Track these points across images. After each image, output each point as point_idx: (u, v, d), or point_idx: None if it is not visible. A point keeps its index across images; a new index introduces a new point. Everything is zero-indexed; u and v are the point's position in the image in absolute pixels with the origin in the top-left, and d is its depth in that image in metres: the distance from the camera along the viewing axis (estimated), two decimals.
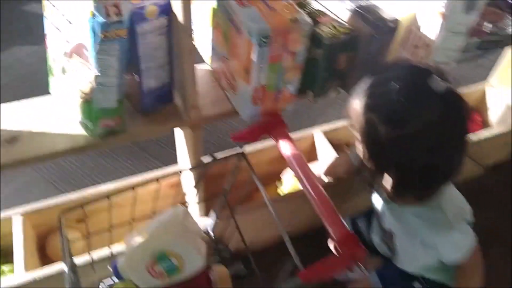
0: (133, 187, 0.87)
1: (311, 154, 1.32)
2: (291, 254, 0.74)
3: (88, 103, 0.75)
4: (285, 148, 0.82)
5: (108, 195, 0.84)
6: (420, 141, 0.66)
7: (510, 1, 1.04)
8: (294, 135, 1.29)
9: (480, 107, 1.52)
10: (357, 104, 0.70)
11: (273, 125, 0.85)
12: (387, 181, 0.71)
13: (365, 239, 1.00)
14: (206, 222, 1.09)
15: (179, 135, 0.98)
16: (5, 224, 1.07)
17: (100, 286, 1.00)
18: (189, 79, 0.79)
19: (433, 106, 0.65)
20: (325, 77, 0.86)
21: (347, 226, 0.70)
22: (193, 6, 0.72)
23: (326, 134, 1.30)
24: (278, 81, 0.81)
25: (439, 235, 0.78)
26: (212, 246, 1.09)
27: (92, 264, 0.96)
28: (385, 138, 0.66)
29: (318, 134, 1.30)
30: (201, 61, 0.97)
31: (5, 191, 1.34)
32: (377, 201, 0.89)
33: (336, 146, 1.28)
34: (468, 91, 1.47)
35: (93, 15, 0.65)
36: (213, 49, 0.90)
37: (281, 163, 1.30)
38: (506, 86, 1.40)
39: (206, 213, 1.08)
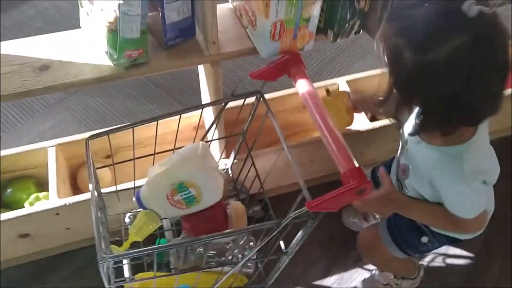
0: (156, 120, 0.91)
1: None
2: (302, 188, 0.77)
3: (113, 32, 0.78)
4: (302, 87, 0.84)
5: (132, 126, 0.90)
6: (446, 69, 0.62)
7: None
8: (318, 84, 1.30)
9: None
10: (384, 29, 0.66)
11: (291, 64, 0.86)
12: (413, 112, 0.69)
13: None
14: (225, 162, 1.13)
15: (203, 73, 1.01)
16: (41, 155, 1.15)
17: (125, 218, 1.08)
18: (210, 13, 0.81)
19: (463, 32, 0.60)
20: (346, 15, 0.85)
21: (353, 160, 0.72)
22: None
23: (350, 83, 1.30)
24: (297, 17, 0.81)
25: (448, 182, 0.74)
26: (230, 185, 1.14)
27: (117, 193, 1.03)
28: (410, 65, 0.63)
29: (342, 83, 1.30)
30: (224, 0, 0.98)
31: (40, 129, 1.43)
32: (402, 135, 0.86)
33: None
34: None
35: None
36: None
37: (301, 112, 1.33)
38: None
39: (226, 153, 1.12)
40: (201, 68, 1.01)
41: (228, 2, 0.98)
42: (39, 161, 1.18)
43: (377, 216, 1.22)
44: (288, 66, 0.86)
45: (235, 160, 1.10)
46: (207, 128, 1.11)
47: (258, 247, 0.78)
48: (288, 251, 0.84)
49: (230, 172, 1.12)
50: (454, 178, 0.73)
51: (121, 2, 0.74)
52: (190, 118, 1.19)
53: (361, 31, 0.92)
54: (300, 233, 0.80)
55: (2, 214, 1.03)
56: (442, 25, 0.61)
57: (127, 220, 1.08)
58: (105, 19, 0.78)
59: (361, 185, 0.69)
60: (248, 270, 0.94)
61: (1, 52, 0.86)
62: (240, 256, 0.96)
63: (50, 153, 1.13)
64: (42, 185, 1.20)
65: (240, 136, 1.03)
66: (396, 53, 0.64)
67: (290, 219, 0.73)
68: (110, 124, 1.35)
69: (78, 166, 1.23)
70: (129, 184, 1.05)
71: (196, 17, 0.87)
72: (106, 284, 0.79)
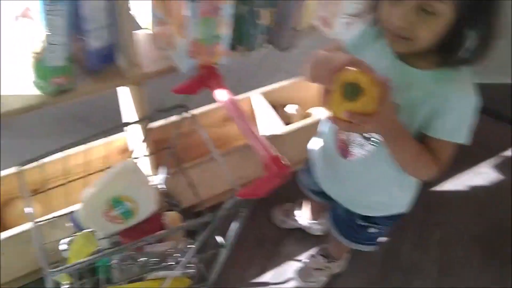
0: (84, 143, 0.96)
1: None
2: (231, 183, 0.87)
3: (39, 62, 0.83)
4: (221, 95, 0.94)
5: (61, 150, 0.94)
6: None
7: None
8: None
9: None
10: None
11: (209, 77, 0.96)
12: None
13: (313, 189, 1.11)
14: (157, 178, 1.19)
15: (126, 96, 1.07)
16: None
17: (60, 245, 1.09)
18: (129, 38, 0.89)
19: None
20: (252, 32, 0.98)
21: (272, 150, 0.83)
22: None
23: (264, 95, 1.43)
24: (210, 35, 0.92)
25: (459, 99, 0.75)
26: (164, 200, 1.20)
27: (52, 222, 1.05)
28: None
29: (256, 96, 1.44)
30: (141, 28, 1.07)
31: None
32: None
33: (274, 106, 1.43)
34: None
35: None
36: (153, 14, 1.00)
37: (224, 125, 1.44)
38: None
39: (157, 169, 1.18)
40: (122, 92, 1.08)
41: (144, 29, 1.07)
42: None
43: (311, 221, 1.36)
44: (206, 79, 0.96)
45: (167, 176, 1.17)
46: (132, 143, 1.17)
47: (199, 244, 0.86)
48: (225, 243, 0.92)
49: (163, 187, 1.19)
50: (464, 93, 0.75)
51: (48, 33, 0.79)
52: (116, 142, 1.24)
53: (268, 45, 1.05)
54: (233, 224, 0.89)
55: None
56: None
57: (64, 246, 1.09)
58: (31, 50, 0.83)
59: (281, 170, 0.81)
60: (191, 271, 1.00)
61: None
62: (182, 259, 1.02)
63: None
64: None
65: (169, 151, 1.10)
66: None
67: (224, 209, 0.82)
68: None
69: (6, 202, 1.22)
70: (63, 211, 1.07)
71: (117, 43, 0.94)
72: None
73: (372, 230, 1.02)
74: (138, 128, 1.07)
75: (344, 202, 1.00)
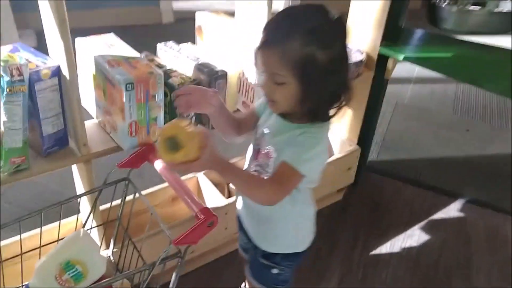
0: (41, 212, 1.08)
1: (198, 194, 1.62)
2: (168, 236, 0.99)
3: None
4: (158, 166, 1.11)
5: (20, 220, 1.05)
6: (343, 59, 0.89)
7: None
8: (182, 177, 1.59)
9: None
10: (289, 47, 0.84)
11: (148, 152, 1.14)
12: (304, 107, 0.91)
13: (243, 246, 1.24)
14: (106, 252, 1.29)
15: (77, 173, 1.22)
16: None
17: None
18: (79, 122, 1.07)
19: (340, 29, 0.89)
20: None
21: (201, 202, 0.98)
22: (79, 73, 1.03)
23: (207, 174, 1.61)
24: (146, 118, 1.12)
25: (304, 140, 0.92)
26: (113, 272, 1.28)
27: None
28: (325, 61, 0.85)
29: (201, 177, 1.61)
30: (90, 117, 1.26)
31: None
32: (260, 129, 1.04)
33: (217, 185, 1.60)
34: None
35: (1, 76, 0.93)
36: (97, 105, 1.20)
37: (172, 205, 1.58)
38: None
39: (106, 242, 1.28)
40: (75, 170, 1.23)
41: (92, 119, 1.26)
42: None
43: None
44: (146, 154, 1.13)
45: (114, 249, 1.27)
46: (82, 215, 1.29)
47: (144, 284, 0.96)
48: None
49: (112, 258, 1.28)
50: (312, 139, 0.93)
51: (5, 119, 0.96)
52: (69, 224, 1.35)
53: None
54: (173, 276, 1.00)
55: None
56: (330, 28, 0.87)
57: None
58: None
59: (210, 218, 0.95)
60: None
61: None
62: None
63: None
64: None
65: (116, 222, 1.23)
66: (310, 58, 0.84)
67: (160, 258, 0.94)
68: None
69: None
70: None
71: (67, 128, 1.12)
72: None
73: (275, 271, 1.12)
74: (87, 201, 1.20)
75: (252, 237, 1.12)
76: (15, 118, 0.98)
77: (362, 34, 1.65)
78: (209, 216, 0.95)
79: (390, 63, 1.67)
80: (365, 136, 1.88)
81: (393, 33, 1.64)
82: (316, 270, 1.67)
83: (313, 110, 0.92)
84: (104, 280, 0.99)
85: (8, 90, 0.94)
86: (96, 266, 1.08)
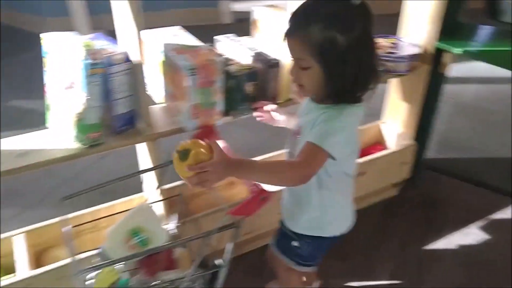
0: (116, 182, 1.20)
1: None
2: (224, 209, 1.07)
3: (80, 120, 1.12)
4: None
5: (103, 185, 1.17)
6: (365, 40, 0.92)
7: None
8: None
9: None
10: (309, 32, 0.90)
11: (209, 132, 1.23)
12: (329, 90, 0.95)
13: None
14: (167, 225, 1.40)
15: (142, 151, 1.34)
16: (5, 245, 1.35)
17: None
18: (145, 104, 1.19)
19: (359, 14, 0.92)
20: (239, 100, 1.27)
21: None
22: (147, 60, 1.14)
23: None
24: (207, 101, 1.21)
25: (326, 118, 0.97)
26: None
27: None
28: (345, 44, 0.89)
29: None
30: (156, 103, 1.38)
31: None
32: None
33: None
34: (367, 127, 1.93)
35: (84, 59, 1.05)
36: (165, 90, 1.31)
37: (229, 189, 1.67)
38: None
39: (169, 216, 1.38)
40: (140, 149, 1.35)
41: (158, 104, 1.37)
42: (5, 251, 1.37)
43: None
44: (206, 135, 1.22)
45: (178, 223, 1.37)
46: (148, 190, 1.40)
47: (198, 261, 1.04)
48: (223, 263, 1.10)
49: (175, 231, 1.37)
50: (332, 115, 0.97)
51: (87, 98, 1.09)
52: (135, 200, 1.48)
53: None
54: (229, 245, 1.08)
55: None
56: (351, 11, 0.91)
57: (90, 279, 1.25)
58: (74, 112, 1.12)
59: (262, 194, 1.02)
60: None
61: None
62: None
63: (16, 240, 1.34)
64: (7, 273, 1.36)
65: (179, 198, 1.33)
66: (330, 41, 0.90)
67: (218, 228, 1.02)
68: None
69: (40, 253, 1.42)
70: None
71: (136, 110, 1.23)
72: None
73: (294, 243, 1.18)
74: (152, 176, 1.32)
75: (283, 212, 1.19)
76: (94, 96, 1.10)
77: (418, 28, 1.66)
78: (262, 192, 1.02)
79: (446, 57, 1.66)
80: (422, 132, 1.87)
81: (451, 27, 1.63)
82: (369, 261, 1.68)
83: (337, 92, 0.96)
84: (165, 243, 1.09)
85: (90, 72, 1.07)
86: (159, 234, 1.18)
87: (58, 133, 1.20)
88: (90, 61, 1.06)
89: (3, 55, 3.18)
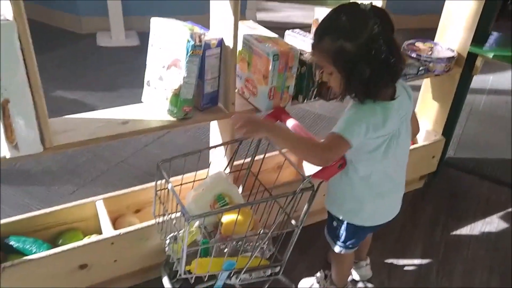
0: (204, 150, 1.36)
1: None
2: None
3: (176, 95, 1.28)
4: (290, 124, 1.36)
5: (200, 151, 1.33)
6: (371, 44, 1.02)
7: None
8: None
9: None
10: (324, 44, 1.08)
11: (280, 113, 1.40)
12: (351, 90, 1.12)
13: None
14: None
15: (216, 126, 1.53)
16: (88, 209, 1.50)
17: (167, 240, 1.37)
18: (232, 85, 1.35)
19: (369, 18, 1.03)
20: (308, 85, 1.44)
21: None
22: None
23: None
24: (282, 85, 1.38)
25: (350, 109, 1.17)
26: None
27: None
28: (353, 50, 1.03)
29: None
30: None
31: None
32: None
33: None
34: None
35: (188, 41, 1.22)
36: (238, 75, 1.48)
37: (276, 172, 1.82)
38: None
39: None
40: (214, 126, 1.53)
41: None
42: (85, 215, 1.51)
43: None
44: (279, 115, 1.39)
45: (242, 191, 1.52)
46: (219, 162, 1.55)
47: (284, 210, 1.20)
48: (298, 224, 1.26)
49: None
50: (353, 110, 1.15)
51: (185, 75, 1.26)
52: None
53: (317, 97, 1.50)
54: (306, 206, 1.24)
55: (65, 246, 1.32)
56: (358, 19, 1.05)
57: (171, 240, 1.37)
58: (171, 87, 1.28)
59: (338, 161, 1.19)
60: (268, 253, 1.32)
61: (97, 116, 1.31)
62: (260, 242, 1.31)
63: (98, 204, 1.49)
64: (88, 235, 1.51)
65: (246, 171, 1.49)
66: (340, 50, 1.05)
67: (300, 189, 1.18)
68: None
69: (116, 218, 1.57)
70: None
71: (220, 90, 1.40)
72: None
73: (334, 223, 1.36)
74: (222, 151, 1.48)
75: (326, 198, 1.38)
76: (191, 74, 1.27)
77: (454, 35, 1.86)
78: (339, 159, 1.19)
79: (478, 61, 1.86)
80: (448, 130, 2.06)
81: (482, 34, 1.83)
82: (401, 243, 1.85)
83: (358, 91, 1.11)
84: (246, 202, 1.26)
85: (191, 52, 1.23)
86: (238, 199, 1.34)
87: (152, 107, 1.36)
88: (193, 42, 1.23)
89: (41, 51, 3.33)
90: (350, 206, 1.31)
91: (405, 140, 1.25)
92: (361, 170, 1.21)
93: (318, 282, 1.57)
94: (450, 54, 1.81)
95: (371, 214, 1.32)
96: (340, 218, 1.33)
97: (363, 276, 1.66)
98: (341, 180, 1.26)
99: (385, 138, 1.17)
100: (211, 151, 1.58)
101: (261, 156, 1.49)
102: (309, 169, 1.82)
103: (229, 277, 1.28)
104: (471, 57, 1.86)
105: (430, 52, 1.81)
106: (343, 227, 1.35)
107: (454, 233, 1.93)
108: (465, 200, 2.13)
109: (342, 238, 1.37)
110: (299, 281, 1.62)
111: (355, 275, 1.66)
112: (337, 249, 1.41)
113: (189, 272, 1.21)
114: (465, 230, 1.95)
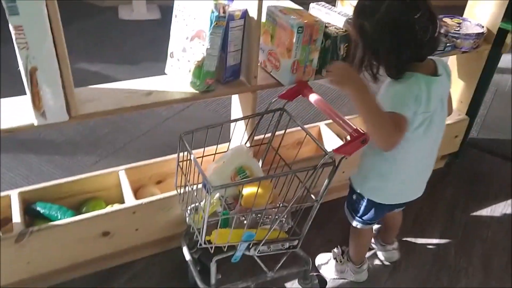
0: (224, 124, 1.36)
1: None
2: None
3: (199, 67, 1.28)
4: (313, 98, 1.35)
5: (214, 126, 1.34)
6: (388, 23, 1.08)
7: None
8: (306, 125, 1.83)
9: None
10: (354, 21, 1.18)
11: (303, 87, 1.38)
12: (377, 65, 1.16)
13: None
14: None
15: (237, 100, 1.53)
16: (111, 179, 1.53)
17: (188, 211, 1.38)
18: (255, 59, 1.34)
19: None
20: (332, 59, 1.42)
21: (352, 125, 1.20)
22: None
23: (328, 126, 1.84)
24: (306, 58, 1.37)
25: (387, 86, 1.19)
26: None
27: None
28: (371, 28, 1.10)
29: (323, 126, 1.85)
30: None
31: None
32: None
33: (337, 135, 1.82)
34: None
35: (212, 11, 1.21)
36: (261, 48, 1.47)
37: (295, 148, 1.82)
38: None
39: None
40: (235, 99, 1.52)
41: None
42: (108, 184, 1.54)
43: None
44: (301, 89, 1.38)
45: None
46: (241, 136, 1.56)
47: (304, 185, 1.21)
48: (318, 199, 1.26)
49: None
50: (386, 87, 1.20)
51: (208, 47, 1.25)
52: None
53: None
54: (326, 181, 1.24)
55: (89, 213, 1.36)
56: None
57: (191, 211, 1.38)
58: (195, 59, 1.28)
59: (362, 136, 1.17)
60: (286, 226, 1.33)
61: (121, 87, 1.32)
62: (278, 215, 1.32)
63: (121, 174, 1.52)
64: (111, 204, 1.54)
65: (267, 144, 1.49)
66: (361, 28, 1.14)
67: (321, 164, 1.18)
68: None
69: (138, 189, 1.60)
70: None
71: (243, 63, 1.39)
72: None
73: (354, 196, 1.37)
74: (243, 125, 1.48)
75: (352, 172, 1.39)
76: (215, 46, 1.26)
77: (484, 9, 1.79)
78: (362, 134, 1.18)
79: (509, 38, 1.80)
80: (473, 110, 2.01)
81: None
82: (420, 222, 1.84)
83: (386, 66, 1.14)
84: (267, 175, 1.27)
85: (215, 23, 1.22)
86: (258, 173, 1.35)
87: (175, 79, 1.36)
88: (217, 13, 1.21)
89: (63, 23, 3.35)
90: (374, 184, 1.31)
91: (442, 121, 1.24)
92: (398, 150, 1.17)
93: (335, 258, 1.59)
94: (479, 30, 1.75)
95: (393, 194, 1.32)
96: (361, 192, 1.33)
97: (389, 258, 1.67)
98: (374, 156, 1.26)
99: (427, 116, 1.16)
100: (231, 125, 1.59)
101: (282, 132, 1.48)
102: (330, 146, 1.81)
103: (248, 248, 1.30)
104: (501, 34, 1.80)
105: (458, 28, 1.76)
106: (363, 202, 1.35)
107: (474, 214, 1.91)
108: (486, 182, 2.10)
109: (360, 212, 1.38)
110: (316, 256, 1.63)
111: (380, 256, 1.67)
112: (354, 223, 1.42)
113: (209, 242, 1.23)
114: (485, 212, 1.93)
